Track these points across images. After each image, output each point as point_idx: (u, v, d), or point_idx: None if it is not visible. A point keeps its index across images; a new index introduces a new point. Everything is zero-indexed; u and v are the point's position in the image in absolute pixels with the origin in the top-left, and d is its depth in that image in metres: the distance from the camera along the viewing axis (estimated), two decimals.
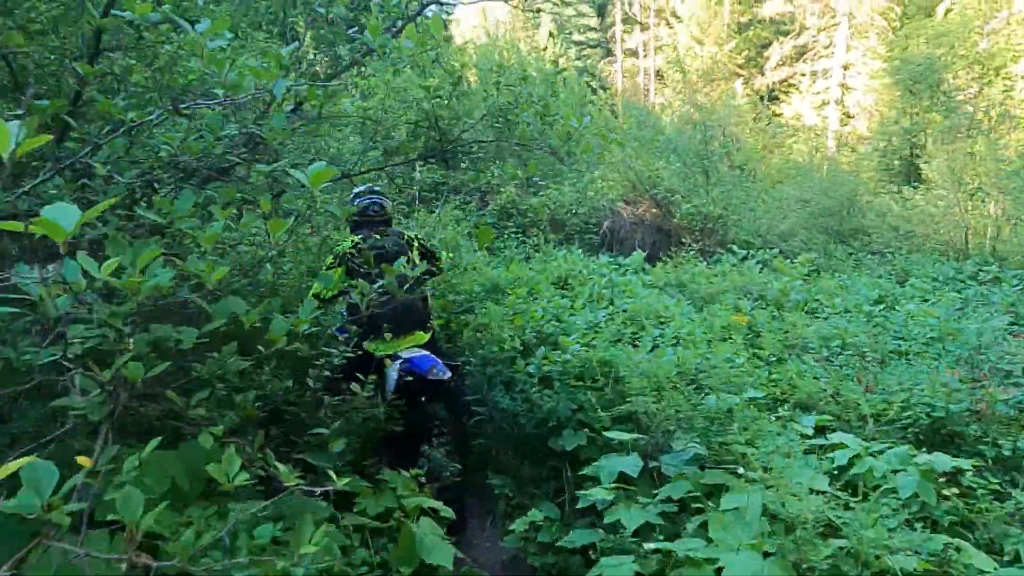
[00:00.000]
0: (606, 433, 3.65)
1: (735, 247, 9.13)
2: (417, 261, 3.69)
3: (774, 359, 4.81)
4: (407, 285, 2.70)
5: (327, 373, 2.98)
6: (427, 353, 3.83)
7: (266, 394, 2.60)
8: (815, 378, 4.25)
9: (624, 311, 6.63)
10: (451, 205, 10.64)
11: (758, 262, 8.72)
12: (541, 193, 10.89)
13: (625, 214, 11.36)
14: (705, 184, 10.28)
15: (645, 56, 40.86)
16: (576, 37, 42.95)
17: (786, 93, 33.66)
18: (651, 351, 4.90)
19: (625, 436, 3.57)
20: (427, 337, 4.00)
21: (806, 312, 6.89)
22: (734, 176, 11.07)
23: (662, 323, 6.23)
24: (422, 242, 4.31)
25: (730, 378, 4.25)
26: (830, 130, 29.71)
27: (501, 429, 4.35)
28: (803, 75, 33.98)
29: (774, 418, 3.69)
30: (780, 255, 9.54)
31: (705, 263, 8.33)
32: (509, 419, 4.27)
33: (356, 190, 4.25)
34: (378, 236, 3.73)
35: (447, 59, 12.23)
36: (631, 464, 3.35)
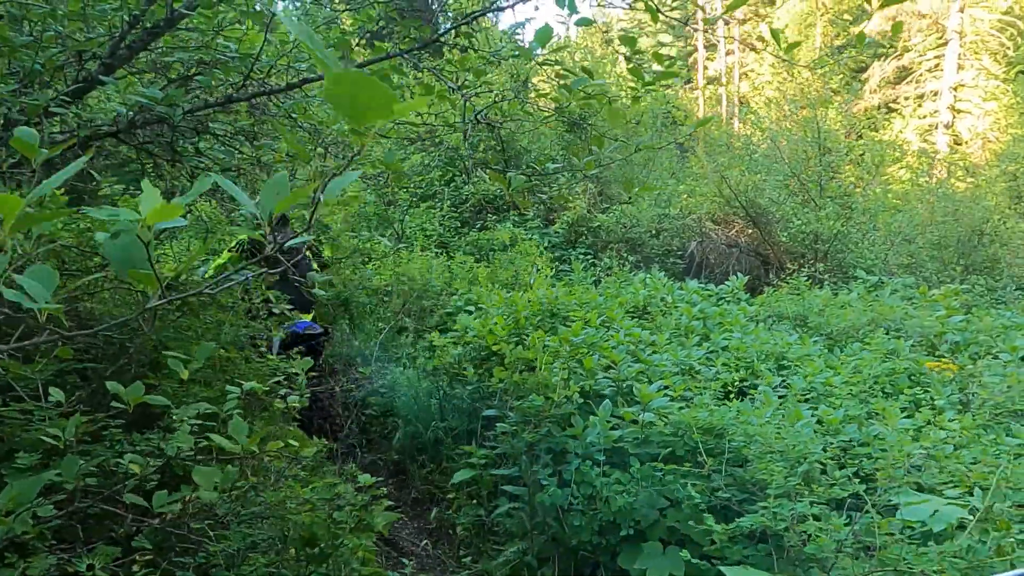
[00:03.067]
0: (723, 568, 2.04)
1: (863, 272, 7.24)
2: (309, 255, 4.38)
3: (988, 433, 3.04)
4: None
5: None
6: (307, 321, 4.37)
7: None
8: None
9: (724, 349, 4.95)
10: (509, 222, 9.25)
11: (894, 291, 6.81)
12: (615, 207, 9.32)
13: (715, 236, 9.62)
14: (819, 196, 8.44)
15: (728, 83, 39.05)
16: (656, 68, 41.37)
17: (887, 119, 30.97)
18: (775, 410, 3.24)
19: None
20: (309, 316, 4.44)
21: (970, 358, 5.00)
22: (850, 191, 9.16)
23: (782, 368, 4.54)
24: (311, 243, 4.92)
25: (922, 467, 2.56)
26: (939, 156, 26.81)
27: (545, 529, 2.78)
28: (906, 98, 31.21)
29: None
30: (918, 286, 7.59)
31: (825, 292, 6.51)
32: (557, 514, 2.70)
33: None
34: (281, 231, 4.14)
35: (514, 65, 11.02)
36: None
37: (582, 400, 3.11)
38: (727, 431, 2.63)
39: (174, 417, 1.74)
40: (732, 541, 2.25)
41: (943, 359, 3.77)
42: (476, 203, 9.82)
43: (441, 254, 7.97)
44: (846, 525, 2.07)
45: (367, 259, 7.37)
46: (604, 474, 2.66)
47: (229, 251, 4.24)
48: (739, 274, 7.04)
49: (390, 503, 4.65)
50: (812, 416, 3.18)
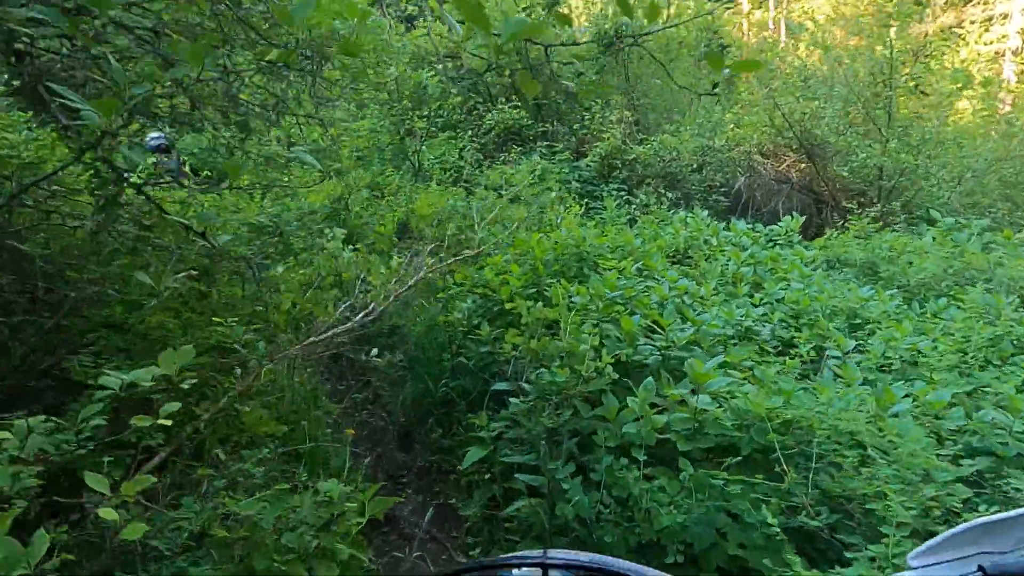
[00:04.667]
0: None
1: (936, 212, 6.37)
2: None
3: None
4: None
5: None
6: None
7: None
8: None
9: (779, 302, 4.26)
10: (537, 153, 8.46)
11: (972, 235, 5.95)
12: (653, 138, 8.45)
13: (763, 170, 8.72)
14: (887, 126, 7.46)
15: (777, 6, 36.61)
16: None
17: (949, 46, 28.56)
18: (859, 386, 2.57)
19: None
20: None
21: None
22: (924, 119, 8.13)
23: (854, 328, 3.84)
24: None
25: None
26: (1006, 85, 24.67)
27: (567, 531, 2.20)
28: (972, 22, 28.77)
29: None
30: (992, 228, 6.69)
31: (899, 236, 5.68)
32: (585, 525, 2.12)
33: (152, 135, 5.37)
34: (167, 156, 5.55)
35: None
36: None
37: (618, 375, 2.48)
38: (812, 426, 1.99)
39: None
40: None
41: None
42: (500, 133, 9.02)
43: (461, 188, 7.27)
44: None
45: (380, 194, 6.73)
46: (645, 477, 2.05)
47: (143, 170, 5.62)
48: (794, 213, 6.24)
49: (393, 472, 4.17)
50: (905, 396, 2.52)
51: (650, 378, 2.30)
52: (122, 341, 2.21)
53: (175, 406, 1.46)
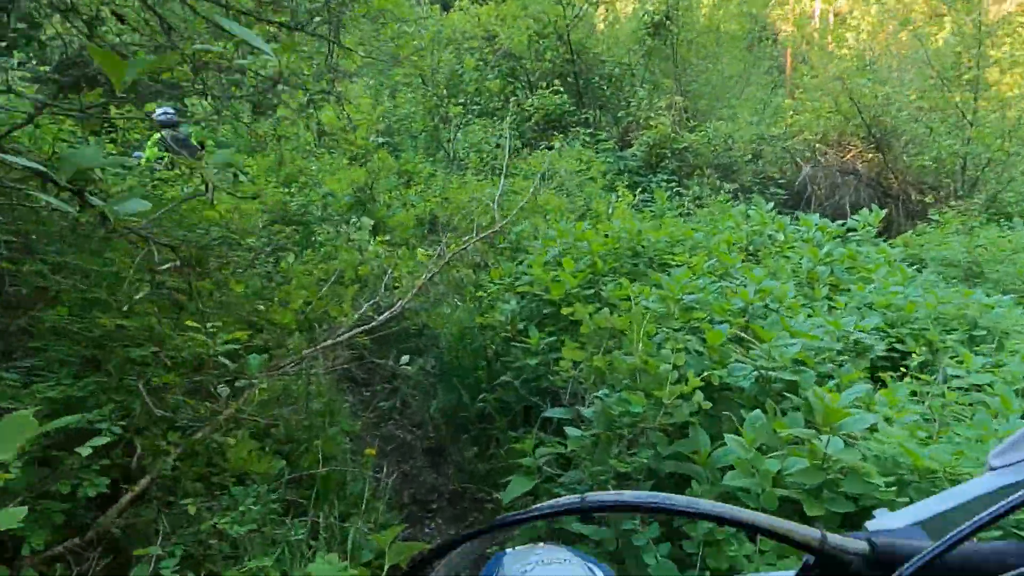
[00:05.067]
0: None
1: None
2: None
3: None
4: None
5: None
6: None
7: None
8: None
9: (869, 307, 3.65)
10: (579, 142, 7.88)
11: None
12: (705, 126, 7.81)
13: (827, 160, 8.01)
14: (972, 110, 6.69)
15: None
16: None
17: (1009, 35, 27.05)
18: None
19: None
20: None
21: None
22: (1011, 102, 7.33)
23: (974, 341, 3.21)
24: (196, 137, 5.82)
25: None
26: None
27: None
28: None
29: None
30: None
31: (1018, 234, 4.98)
32: None
33: (159, 110, 5.61)
34: (174, 131, 5.66)
35: None
36: None
37: (708, 399, 1.92)
38: None
39: None
40: None
41: None
42: (540, 120, 8.46)
43: (498, 178, 6.74)
44: None
45: (408, 181, 6.24)
46: (760, 551, 1.49)
47: (152, 141, 5.50)
48: (874, 206, 5.55)
49: (421, 496, 3.66)
50: None
51: (758, 411, 1.74)
52: (70, 351, 1.74)
53: (19, 513, 0.94)
